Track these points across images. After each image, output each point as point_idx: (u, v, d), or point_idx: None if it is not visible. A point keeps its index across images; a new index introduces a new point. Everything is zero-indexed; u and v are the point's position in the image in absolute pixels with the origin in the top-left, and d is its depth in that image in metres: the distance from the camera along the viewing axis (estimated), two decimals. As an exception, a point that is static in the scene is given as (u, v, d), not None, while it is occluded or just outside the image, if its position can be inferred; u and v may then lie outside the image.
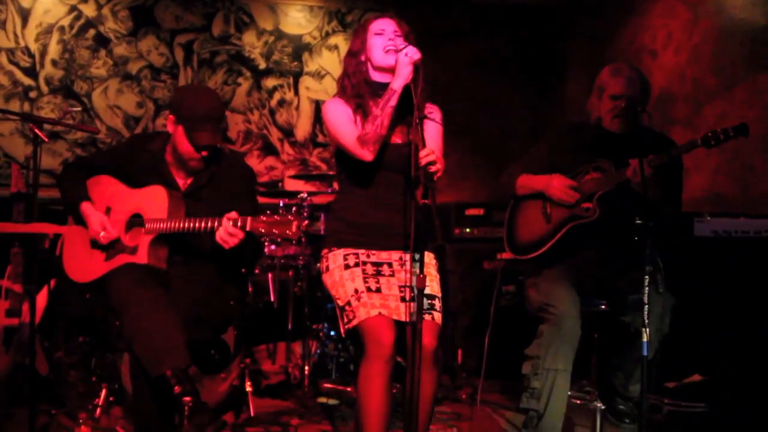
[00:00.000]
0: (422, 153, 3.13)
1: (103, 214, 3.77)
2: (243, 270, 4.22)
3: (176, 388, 3.29)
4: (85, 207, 3.80)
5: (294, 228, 3.25)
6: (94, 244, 3.79)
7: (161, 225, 3.59)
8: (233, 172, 3.87)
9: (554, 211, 4.14)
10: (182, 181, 3.80)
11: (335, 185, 5.04)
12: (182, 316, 3.48)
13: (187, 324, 3.49)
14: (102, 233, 3.71)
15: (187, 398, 3.29)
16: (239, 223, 3.38)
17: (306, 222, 3.31)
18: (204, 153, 3.69)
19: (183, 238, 3.67)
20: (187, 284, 3.66)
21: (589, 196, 4.04)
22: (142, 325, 3.38)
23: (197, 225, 3.51)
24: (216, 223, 3.43)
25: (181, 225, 3.55)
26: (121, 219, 3.77)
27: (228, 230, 3.39)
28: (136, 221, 3.71)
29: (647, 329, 3.48)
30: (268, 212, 3.36)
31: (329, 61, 6.90)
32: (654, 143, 4.15)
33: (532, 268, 4.17)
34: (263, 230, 3.31)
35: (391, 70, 3.33)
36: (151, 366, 3.35)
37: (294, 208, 5.08)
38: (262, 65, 6.76)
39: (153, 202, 3.66)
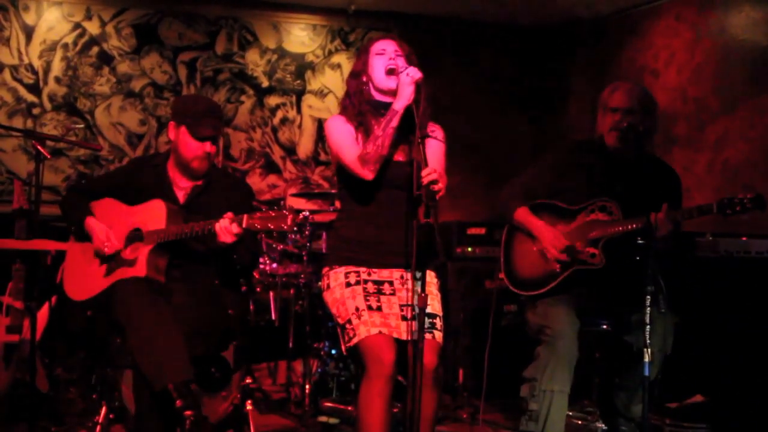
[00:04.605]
0: (424, 172, 3.14)
1: (107, 227, 3.79)
2: (243, 288, 4.23)
3: (178, 401, 3.30)
4: (90, 221, 3.83)
5: (289, 221, 3.29)
6: (97, 255, 3.81)
7: (160, 234, 3.62)
8: (231, 186, 3.95)
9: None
10: (181, 193, 3.85)
11: (337, 203, 5.04)
12: (183, 330, 3.49)
13: (187, 339, 3.50)
14: (106, 244, 3.73)
15: (189, 412, 3.30)
16: (236, 220, 3.42)
17: (301, 216, 3.36)
18: (208, 146, 3.75)
19: (181, 248, 3.69)
20: (186, 298, 3.67)
21: (594, 241, 4.01)
22: (146, 338, 3.40)
23: (195, 228, 3.54)
24: (213, 224, 3.47)
25: (181, 231, 3.58)
26: (121, 235, 3.79)
27: (225, 227, 3.43)
28: (135, 235, 3.74)
29: (649, 349, 3.47)
30: (264, 207, 3.39)
31: (332, 80, 6.92)
32: (657, 173, 4.13)
33: (532, 299, 4.15)
34: (259, 226, 3.37)
35: (393, 93, 3.34)
36: (153, 379, 3.37)
37: (292, 240, 5.09)
38: (265, 83, 6.77)
39: (152, 214, 3.70)
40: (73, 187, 4.08)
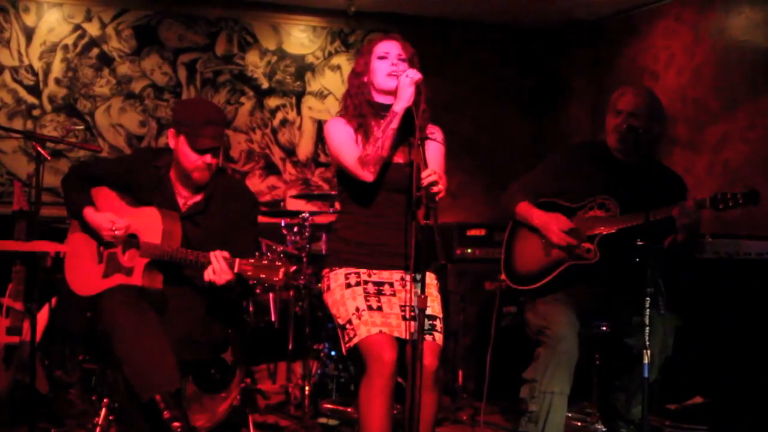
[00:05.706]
0: (424, 173, 3.14)
1: (108, 212, 3.72)
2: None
3: (165, 413, 3.29)
4: (88, 212, 3.75)
5: (281, 275, 3.27)
6: (107, 245, 3.75)
7: (155, 250, 3.57)
8: (235, 197, 3.82)
9: (554, 248, 4.12)
10: (183, 201, 3.77)
11: (337, 205, 5.05)
12: (179, 336, 3.48)
13: (184, 344, 3.49)
14: (115, 228, 3.64)
15: (177, 423, 3.28)
16: (228, 263, 3.39)
17: (294, 268, 3.33)
18: (208, 158, 3.64)
19: (178, 272, 3.65)
20: (184, 304, 3.65)
21: (590, 237, 4.01)
22: (131, 348, 3.37)
23: (189, 257, 3.50)
24: (206, 259, 3.43)
25: (174, 254, 3.54)
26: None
27: (216, 269, 3.40)
28: (132, 242, 3.69)
29: (648, 351, 3.47)
30: (258, 254, 3.36)
31: (332, 81, 6.92)
32: (662, 179, 4.12)
33: (528, 295, 4.16)
34: (250, 273, 3.34)
35: (393, 93, 3.34)
36: (140, 390, 3.34)
37: (292, 241, 5.09)
38: (265, 85, 6.77)
39: (148, 224, 3.63)
40: (74, 171, 3.95)
